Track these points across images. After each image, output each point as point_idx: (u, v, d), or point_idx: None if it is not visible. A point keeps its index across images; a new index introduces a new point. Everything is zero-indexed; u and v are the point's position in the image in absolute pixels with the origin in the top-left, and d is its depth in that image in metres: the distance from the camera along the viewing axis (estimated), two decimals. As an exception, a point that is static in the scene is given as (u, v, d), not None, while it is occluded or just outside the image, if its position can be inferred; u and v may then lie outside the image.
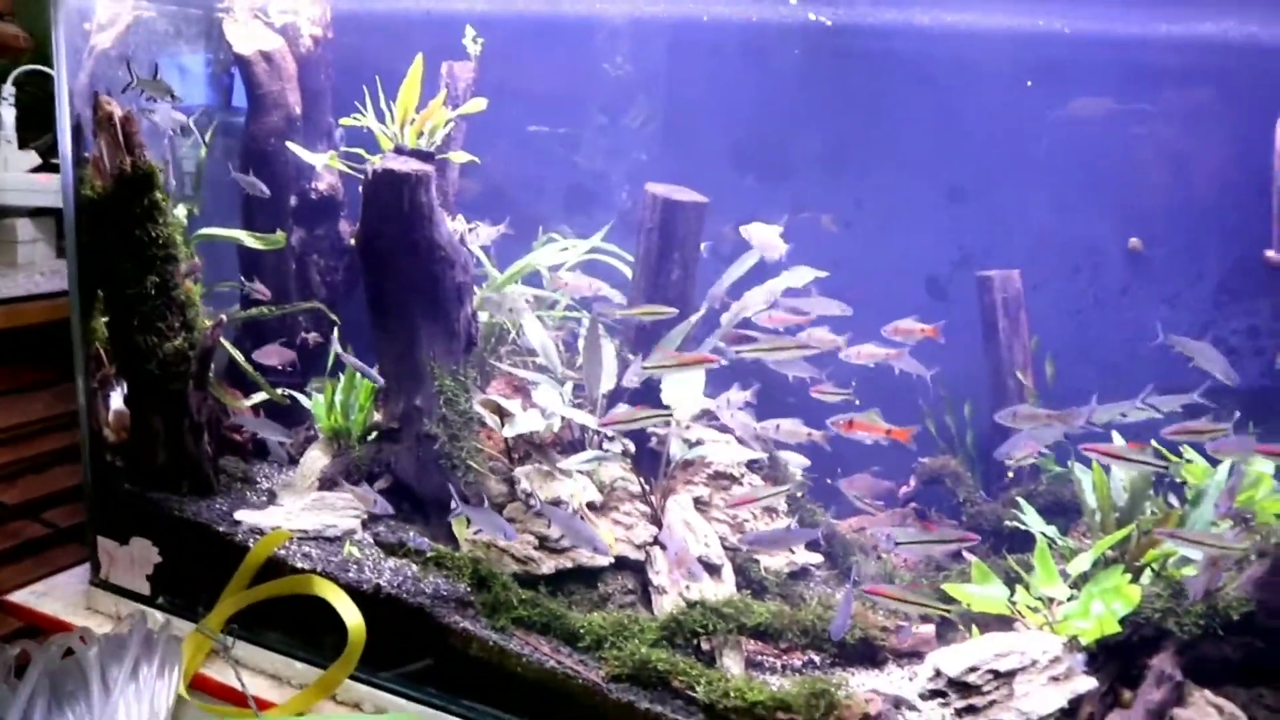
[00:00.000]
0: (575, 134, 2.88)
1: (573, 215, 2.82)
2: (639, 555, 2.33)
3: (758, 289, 2.54)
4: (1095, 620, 1.95)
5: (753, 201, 2.57)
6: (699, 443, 2.45)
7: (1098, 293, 2.46)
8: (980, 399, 2.45)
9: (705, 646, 2.13)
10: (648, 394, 2.42)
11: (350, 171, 2.63)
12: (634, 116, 2.72)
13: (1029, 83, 2.32)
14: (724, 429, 2.50)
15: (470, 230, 2.55)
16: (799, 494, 2.49)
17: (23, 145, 2.81)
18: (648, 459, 2.48)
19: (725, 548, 2.36)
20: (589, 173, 2.89)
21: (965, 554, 2.32)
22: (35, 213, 2.82)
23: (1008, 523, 2.30)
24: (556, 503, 2.32)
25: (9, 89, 2.76)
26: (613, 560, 2.26)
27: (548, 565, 2.25)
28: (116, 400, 2.54)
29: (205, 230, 2.67)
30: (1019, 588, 2.13)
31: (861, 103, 2.54)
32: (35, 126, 2.90)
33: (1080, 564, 2.10)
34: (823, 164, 2.63)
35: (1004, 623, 2.13)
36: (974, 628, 2.12)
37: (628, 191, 2.81)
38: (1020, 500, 2.30)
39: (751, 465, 2.50)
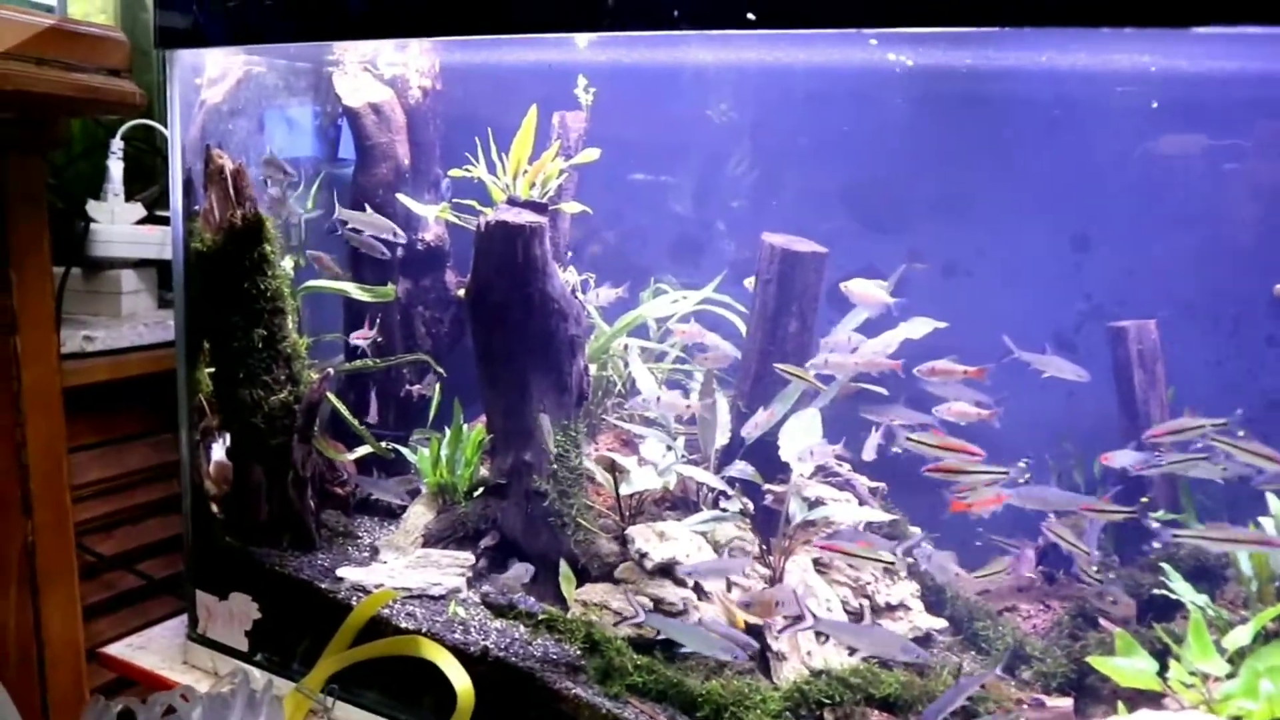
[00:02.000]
0: (680, 182, 2.90)
1: (679, 265, 2.83)
2: (756, 619, 2.25)
3: (874, 341, 2.49)
4: (1265, 700, 1.86)
5: (867, 251, 2.56)
6: (818, 502, 2.41)
7: (1240, 343, 2.38)
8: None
9: (829, 718, 2.06)
10: (763, 449, 2.40)
11: (458, 222, 2.65)
12: (738, 164, 2.71)
13: (1154, 105, 2.26)
14: (844, 487, 2.45)
15: (582, 280, 2.55)
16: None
17: (128, 198, 2.87)
18: (764, 518, 2.43)
19: (847, 611, 2.31)
20: (694, 221, 2.90)
21: (1104, 623, 2.24)
22: (138, 264, 2.87)
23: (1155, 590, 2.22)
24: (671, 565, 2.28)
25: (118, 143, 2.82)
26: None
27: (663, 629, 2.19)
28: (218, 452, 2.57)
29: (312, 283, 2.71)
30: (1171, 661, 2.04)
31: (981, 148, 2.53)
32: (140, 179, 2.97)
33: (1238, 637, 2.01)
34: (940, 213, 2.62)
35: (1149, 698, 2.04)
36: (1120, 704, 2.04)
37: (733, 240, 2.82)
38: (1166, 566, 2.22)
39: (871, 526, 2.44)
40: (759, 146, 2.79)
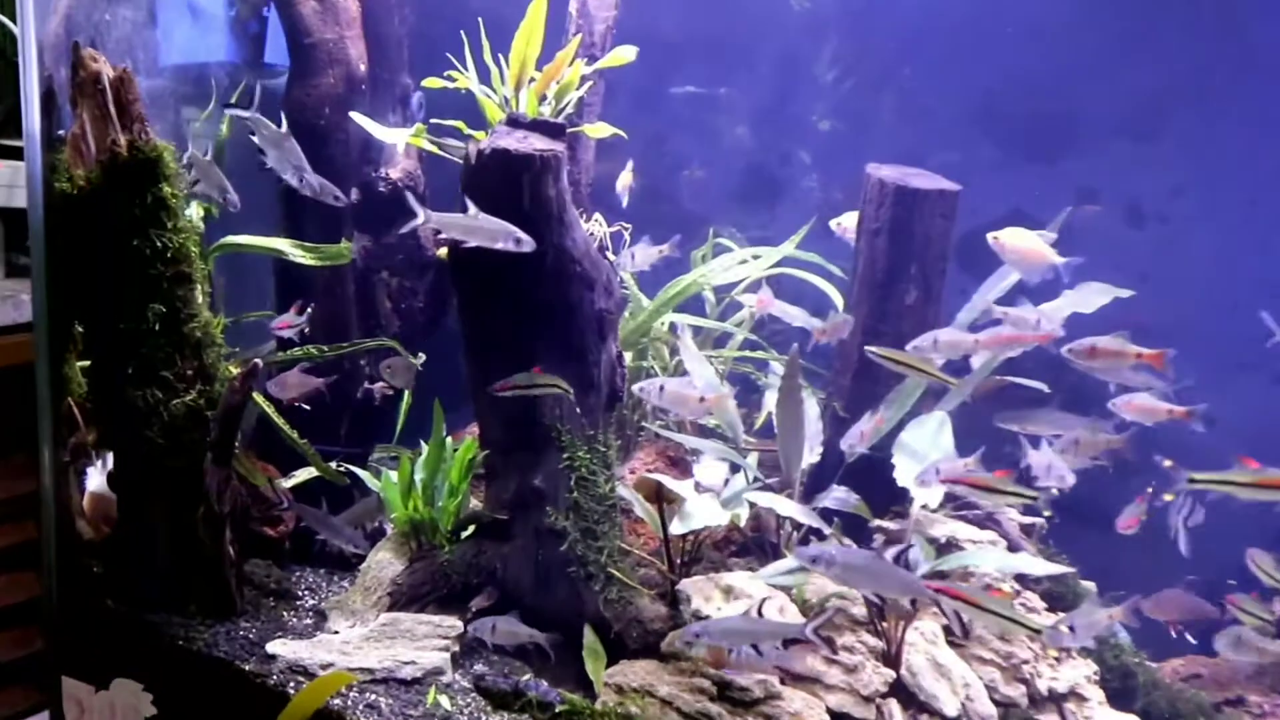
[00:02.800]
0: (745, 95, 2.62)
1: (747, 212, 2.58)
2: (865, 712, 1.96)
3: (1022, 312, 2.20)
4: None
5: (1015, 189, 2.26)
6: (951, 544, 2.14)
7: None
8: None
9: None
10: (870, 468, 2.13)
11: (437, 152, 2.42)
12: (828, 68, 2.45)
13: None
14: (985, 523, 2.20)
15: (613, 233, 2.38)
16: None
17: (-38, 122, 2.71)
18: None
19: (995, 701, 2.01)
20: (767, 150, 2.64)
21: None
22: (-23, 216, 2.72)
23: None
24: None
25: (-55, 44, 2.65)
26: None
27: (731, 726, 2.07)
28: (96, 479, 2.35)
29: (230, 239, 2.45)
30: None
31: (1179, 43, 2.21)
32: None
33: None
34: (1123, 133, 2.31)
35: None
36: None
37: (823, 176, 2.58)
38: None
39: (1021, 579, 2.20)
40: (857, 43, 2.51)
